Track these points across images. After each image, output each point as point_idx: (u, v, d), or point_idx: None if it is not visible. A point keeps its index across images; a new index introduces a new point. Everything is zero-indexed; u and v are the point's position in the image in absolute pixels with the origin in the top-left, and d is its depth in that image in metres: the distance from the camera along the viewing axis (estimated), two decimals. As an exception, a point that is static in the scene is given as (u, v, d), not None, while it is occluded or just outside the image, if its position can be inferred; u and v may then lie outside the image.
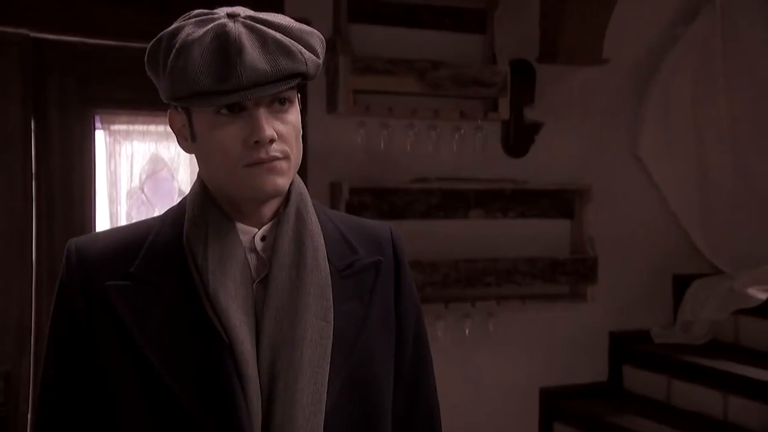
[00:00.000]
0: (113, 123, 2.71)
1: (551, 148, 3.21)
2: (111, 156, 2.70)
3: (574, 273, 3.19)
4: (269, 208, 1.10)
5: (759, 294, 3.21)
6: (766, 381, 2.80)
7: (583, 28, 3.19)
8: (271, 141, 1.03)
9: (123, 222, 2.71)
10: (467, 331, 3.09)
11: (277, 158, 1.03)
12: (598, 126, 3.32)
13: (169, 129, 2.59)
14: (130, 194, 2.73)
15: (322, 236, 1.13)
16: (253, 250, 1.09)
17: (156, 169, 2.76)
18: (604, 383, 3.37)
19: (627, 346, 3.36)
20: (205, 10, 1.05)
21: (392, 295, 1.17)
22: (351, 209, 2.87)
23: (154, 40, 1.07)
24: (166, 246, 1.09)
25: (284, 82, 1.01)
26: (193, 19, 1.04)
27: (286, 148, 1.05)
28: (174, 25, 1.05)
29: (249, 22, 1.01)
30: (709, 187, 3.46)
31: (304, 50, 1.03)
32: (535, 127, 3.17)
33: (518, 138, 3.17)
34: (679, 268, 3.48)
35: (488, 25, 3.14)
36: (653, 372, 3.24)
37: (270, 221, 1.11)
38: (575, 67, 3.23)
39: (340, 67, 2.87)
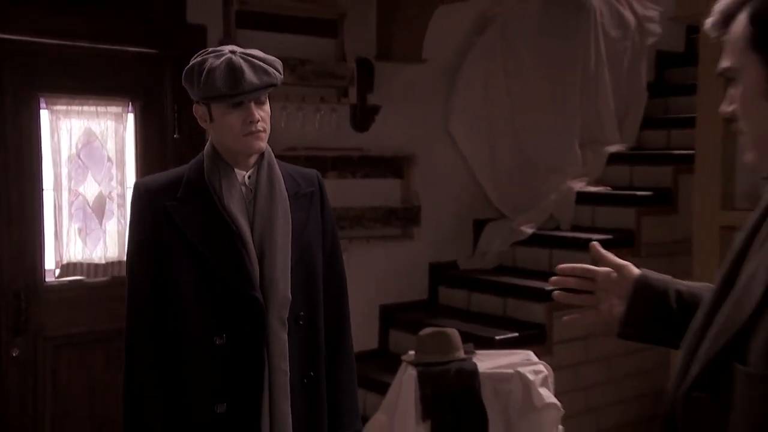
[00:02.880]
0: (55, 104, 3.37)
1: (387, 125, 4.24)
2: (53, 130, 3.37)
3: (404, 218, 4.28)
4: (253, 160, 1.87)
5: (528, 230, 4.48)
6: (531, 287, 4.07)
7: (408, 35, 4.22)
8: (258, 121, 1.79)
9: (66, 182, 3.39)
10: (326, 263, 4.07)
11: (260, 131, 1.80)
12: (421, 109, 4.38)
13: (100, 108, 3.42)
14: (69, 160, 3.42)
15: (281, 176, 1.92)
16: (244, 184, 1.86)
17: (89, 140, 3.46)
18: (425, 300, 4.48)
19: (441, 272, 4.51)
20: (217, 48, 1.82)
21: (319, 210, 2.00)
22: (241, 171, 3.76)
23: (189, 67, 1.80)
24: (195, 182, 1.85)
25: (265, 89, 1.79)
26: (211, 55, 1.79)
27: (265, 125, 1.83)
28: (200, 58, 1.79)
29: (244, 56, 1.78)
30: (497, 155, 4.61)
31: (274, 71, 1.82)
32: (375, 109, 4.19)
33: (363, 118, 4.18)
34: (477, 214, 4.64)
35: (339, 31, 4.08)
36: (459, 289, 4.40)
37: (252, 167, 1.88)
38: (403, 64, 4.25)
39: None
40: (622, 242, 4.23)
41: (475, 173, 4.57)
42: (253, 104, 1.80)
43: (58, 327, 3.39)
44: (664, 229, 4.33)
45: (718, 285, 1.10)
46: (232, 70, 1.74)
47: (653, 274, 1.39)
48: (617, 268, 1.38)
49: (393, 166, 4.27)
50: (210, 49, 1.84)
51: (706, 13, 2.58)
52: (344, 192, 4.07)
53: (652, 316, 1.33)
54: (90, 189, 3.46)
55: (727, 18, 1.07)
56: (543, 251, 4.36)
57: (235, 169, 1.86)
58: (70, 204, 3.42)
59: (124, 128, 3.55)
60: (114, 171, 3.52)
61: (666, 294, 1.32)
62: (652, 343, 1.36)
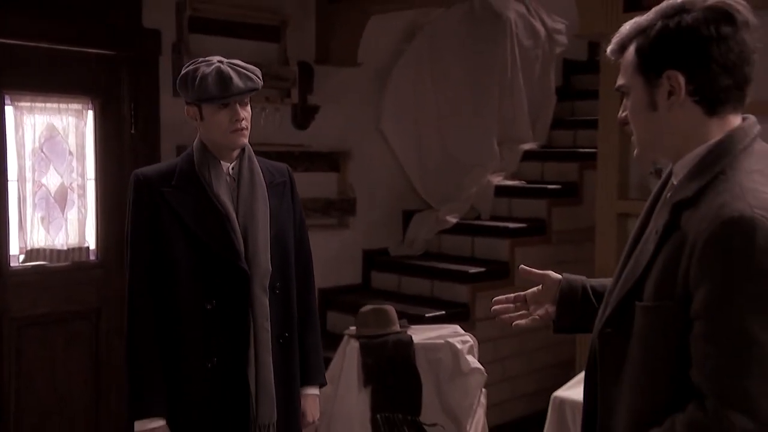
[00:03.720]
0: (19, 101, 3.59)
1: (325, 123, 4.59)
2: (18, 125, 3.60)
3: (340, 209, 4.67)
4: (236, 153, 2.19)
5: (452, 219, 4.95)
6: (455, 270, 4.54)
7: (345, 41, 4.58)
8: (242, 120, 2.11)
9: (29, 174, 3.63)
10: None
11: (244, 128, 2.13)
12: (356, 109, 4.75)
13: (62, 105, 3.69)
14: (32, 153, 3.65)
15: (259, 168, 2.24)
16: (228, 174, 2.18)
17: (52, 134, 3.70)
18: (360, 284, 4.87)
19: (374, 258, 4.92)
20: (206, 59, 2.12)
21: (290, 198, 2.32)
22: (193, 165, 4.07)
23: (183, 74, 2.10)
24: (187, 172, 2.16)
25: (249, 93, 2.11)
26: (201, 64, 2.09)
27: (247, 123, 2.15)
28: (192, 67, 2.10)
29: (230, 65, 2.10)
30: (424, 151, 5.03)
31: (256, 78, 2.13)
32: (315, 109, 4.55)
33: (303, 116, 4.54)
34: (406, 205, 5.05)
35: (282, 36, 4.43)
36: (390, 273, 4.82)
37: (235, 160, 2.19)
38: (340, 67, 4.60)
39: (185, 64, 4.02)
40: (535, 230, 4.76)
41: (404, 168, 5.00)
42: (238, 105, 2.12)
43: (22, 309, 3.63)
44: (571, 219, 4.88)
45: (624, 256, 1.48)
46: (221, 76, 2.07)
47: (572, 277, 1.66)
48: (542, 278, 1.68)
49: (330, 161, 4.65)
50: (200, 60, 2.16)
51: (604, 32, 3.10)
52: (286, 184, 4.42)
53: (579, 310, 1.63)
54: (52, 180, 3.70)
55: (622, 47, 1.39)
56: (466, 239, 4.84)
57: (221, 162, 2.19)
58: (34, 194, 3.65)
59: (85, 124, 3.80)
60: (75, 164, 3.77)
61: (585, 290, 1.64)
62: (582, 332, 1.65)
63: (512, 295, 1.72)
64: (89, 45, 3.73)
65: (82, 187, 3.78)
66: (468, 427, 3.58)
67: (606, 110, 3.34)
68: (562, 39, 5.50)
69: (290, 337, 2.27)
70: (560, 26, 5.51)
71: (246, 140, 2.19)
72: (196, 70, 2.11)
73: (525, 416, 4.62)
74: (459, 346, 3.53)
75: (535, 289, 1.69)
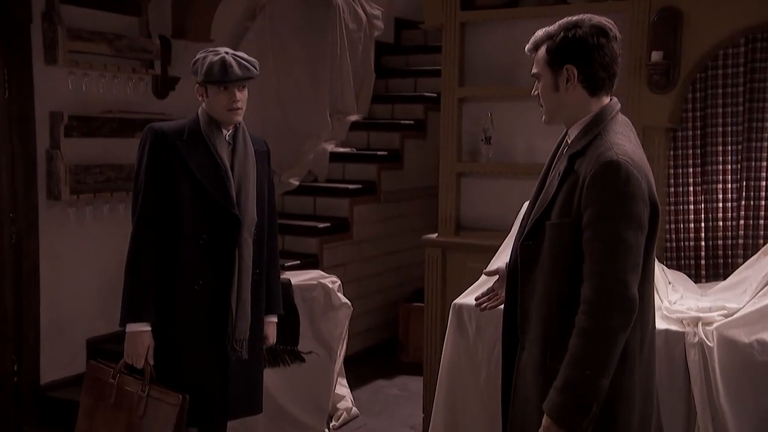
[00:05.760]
0: None
1: (183, 94, 4.95)
2: None
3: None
4: (232, 125, 2.69)
5: (294, 182, 5.57)
6: (304, 226, 5.17)
7: (199, 17, 4.97)
8: (238, 101, 2.62)
9: None
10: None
11: (239, 108, 2.63)
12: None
13: None
14: None
15: (249, 138, 2.77)
16: (226, 140, 2.67)
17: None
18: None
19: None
20: (216, 49, 2.63)
21: (267, 165, 2.83)
22: (68, 129, 4.28)
23: (195, 60, 2.62)
24: (195, 132, 2.65)
25: (246, 80, 2.62)
26: (211, 53, 2.61)
27: (243, 105, 2.64)
28: (203, 54, 2.61)
29: (234, 56, 2.60)
30: (266, 122, 5.50)
31: (253, 68, 2.63)
32: (176, 80, 4.91)
33: (164, 87, 4.88)
34: (250, 170, 5.62)
35: (143, 11, 4.73)
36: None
37: (231, 129, 2.68)
38: (195, 42, 4.92)
39: (58, 34, 4.18)
40: (368, 191, 5.53)
41: (250, 136, 5.51)
42: (236, 89, 2.61)
43: None
44: (395, 181, 5.72)
45: (534, 192, 2.17)
46: (224, 64, 2.57)
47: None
48: (496, 271, 2.40)
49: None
50: (210, 49, 2.65)
51: (444, 24, 4.05)
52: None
53: None
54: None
55: (536, 46, 2.06)
56: (308, 198, 5.49)
57: (222, 129, 2.69)
58: None
59: (-39, 87, 3.87)
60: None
61: None
62: None
63: (486, 289, 2.44)
64: (-35, 11, 3.81)
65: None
66: (338, 353, 4.28)
67: (447, 91, 4.14)
68: (379, 24, 6.30)
69: (260, 273, 2.79)
70: (377, 12, 6.30)
71: (240, 118, 2.68)
72: (205, 57, 2.60)
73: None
74: (330, 285, 4.21)
75: (495, 278, 2.41)
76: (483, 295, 2.43)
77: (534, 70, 2.11)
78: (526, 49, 2.14)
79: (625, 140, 2.00)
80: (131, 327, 2.59)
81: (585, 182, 1.91)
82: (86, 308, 4.56)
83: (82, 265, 4.51)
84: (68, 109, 4.30)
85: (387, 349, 5.63)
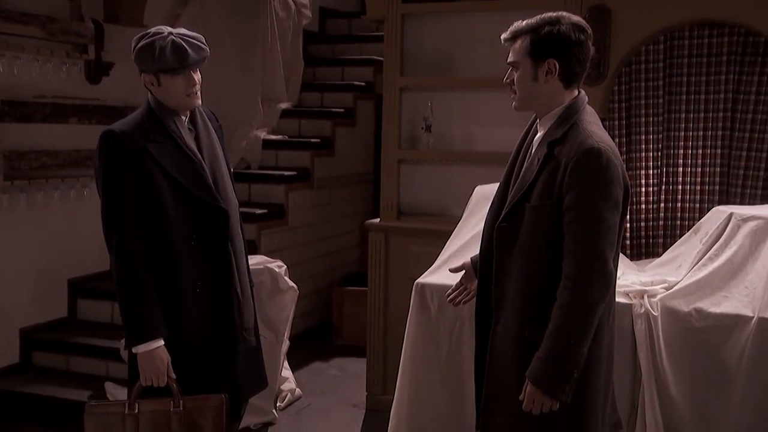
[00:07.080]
0: None
1: (117, 80, 4.86)
2: None
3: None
4: (189, 110, 2.53)
5: (229, 170, 5.57)
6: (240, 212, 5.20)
7: (132, 2, 4.90)
8: (195, 85, 2.46)
9: None
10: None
11: (197, 92, 2.48)
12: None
13: None
14: None
15: (207, 119, 2.64)
16: (187, 127, 2.52)
17: None
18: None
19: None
20: (157, 30, 2.42)
21: (222, 138, 2.69)
22: (1, 114, 4.15)
23: (140, 47, 2.39)
24: (157, 127, 2.45)
25: (201, 62, 2.45)
26: (155, 37, 2.38)
27: (199, 87, 2.48)
28: (148, 40, 2.38)
29: (181, 36, 2.41)
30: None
31: (204, 46, 2.45)
32: (109, 66, 4.82)
33: (97, 72, 4.78)
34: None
35: (75, -6, 4.63)
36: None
37: (188, 115, 2.54)
38: (129, 27, 4.80)
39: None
40: (301, 178, 5.61)
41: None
42: (192, 72, 2.45)
43: None
44: (327, 168, 5.82)
45: (504, 177, 2.31)
46: (177, 49, 2.39)
47: (473, 258, 2.43)
48: (463, 266, 2.50)
49: (123, 115, 4.91)
50: (151, 32, 2.47)
51: (386, 16, 4.24)
52: (83, 136, 4.66)
53: None
54: None
55: (515, 37, 2.17)
56: (243, 185, 5.49)
57: (181, 115, 2.52)
58: None
59: None
60: None
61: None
62: None
63: (455, 284, 2.55)
64: None
65: None
66: (285, 335, 4.37)
67: (389, 80, 4.28)
68: (307, 12, 6.36)
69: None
70: (305, 1, 6.35)
71: (199, 101, 2.53)
72: (152, 43, 2.40)
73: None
74: (277, 270, 4.28)
75: (462, 273, 2.52)
76: (453, 290, 2.54)
77: (511, 59, 2.22)
78: (502, 38, 2.24)
79: (598, 129, 2.18)
80: (143, 347, 2.42)
81: (568, 167, 2.06)
82: (19, 297, 4.45)
83: (15, 253, 4.39)
84: (0, 93, 4.17)
85: (321, 332, 5.74)
